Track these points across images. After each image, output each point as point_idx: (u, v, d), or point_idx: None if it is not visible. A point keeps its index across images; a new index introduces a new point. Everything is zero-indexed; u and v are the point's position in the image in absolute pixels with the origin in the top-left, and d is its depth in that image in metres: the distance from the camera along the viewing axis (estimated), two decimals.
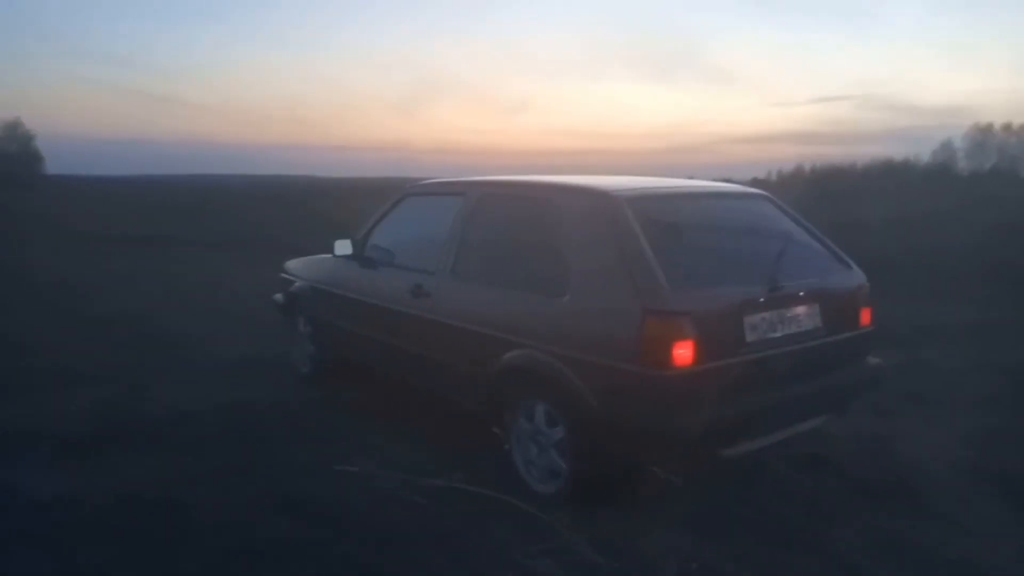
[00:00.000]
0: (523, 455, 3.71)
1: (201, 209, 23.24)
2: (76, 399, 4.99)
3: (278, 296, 5.86)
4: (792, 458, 3.98)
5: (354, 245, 4.92)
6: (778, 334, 3.50)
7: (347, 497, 3.55)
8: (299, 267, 5.76)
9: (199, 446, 4.20)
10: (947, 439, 4.38)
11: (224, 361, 6.00)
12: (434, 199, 4.71)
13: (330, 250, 5.03)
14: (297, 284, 5.56)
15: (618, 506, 3.41)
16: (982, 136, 51.24)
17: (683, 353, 3.12)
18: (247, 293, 8.89)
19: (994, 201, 21.75)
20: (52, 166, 62.20)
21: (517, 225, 3.93)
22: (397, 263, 4.67)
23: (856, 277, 3.99)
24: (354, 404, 4.97)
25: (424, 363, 4.32)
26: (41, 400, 4.97)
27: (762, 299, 3.43)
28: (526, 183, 4.15)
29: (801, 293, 3.61)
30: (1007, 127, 51.27)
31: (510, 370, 3.65)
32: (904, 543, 3.21)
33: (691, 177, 4.44)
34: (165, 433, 4.40)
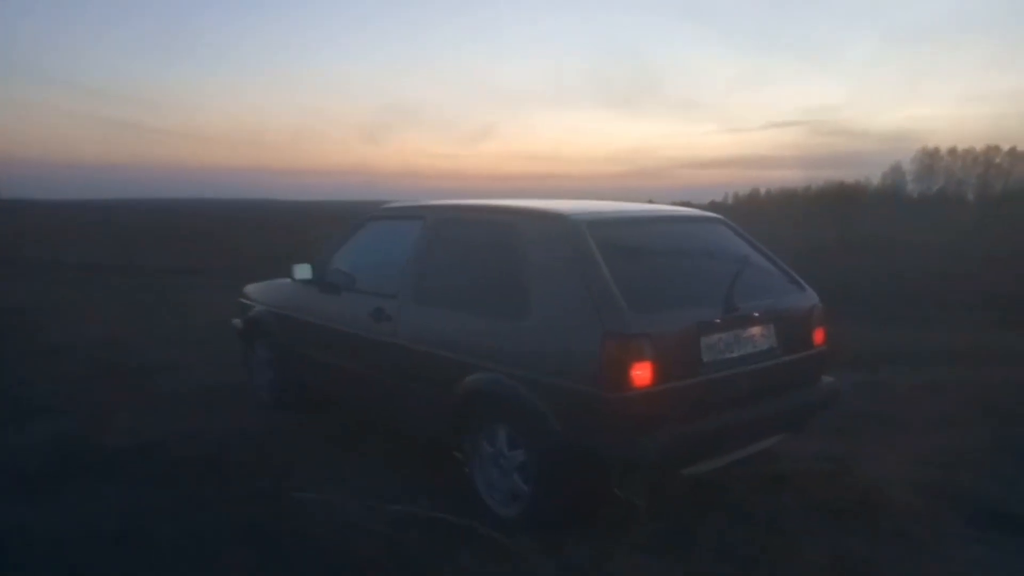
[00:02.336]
0: (485, 478, 3.71)
1: (164, 234, 22.92)
2: (33, 431, 4.88)
3: (237, 321, 5.79)
4: (750, 478, 4.02)
5: (314, 269, 4.89)
6: (734, 355, 3.56)
7: (309, 526, 3.50)
8: (258, 292, 5.70)
9: (160, 476, 4.12)
10: (898, 458, 4.45)
11: (186, 389, 5.91)
12: (395, 223, 4.71)
13: (289, 275, 5.00)
14: (256, 309, 5.50)
15: (582, 529, 3.41)
16: (929, 160, 52.84)
17: (641, 374, 3.16)
18: (210, 319, 8.77)
19: (946, 225, 22.36)
20: (6, 190, 61.02)
21: (478, 249, 3.95)
22: (358, 287, 4.65)
23: (809, 298, 4.07)
24: (316, 431, 4.91)
25: (385, 388, 4.30)
26: None
27: (718, 320, 3.49)
28: (486, 207, 4.18)
29: (756, 314, 3.67)
30: (952, 151, 52.84)
31: (472, 393, 3.65)
32: (864, 562, 3.25)
33: (651, 201, 4.52)
34: (125, 464, 4.31)
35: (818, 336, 4.04)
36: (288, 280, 5.21)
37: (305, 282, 4.92)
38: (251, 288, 5.84)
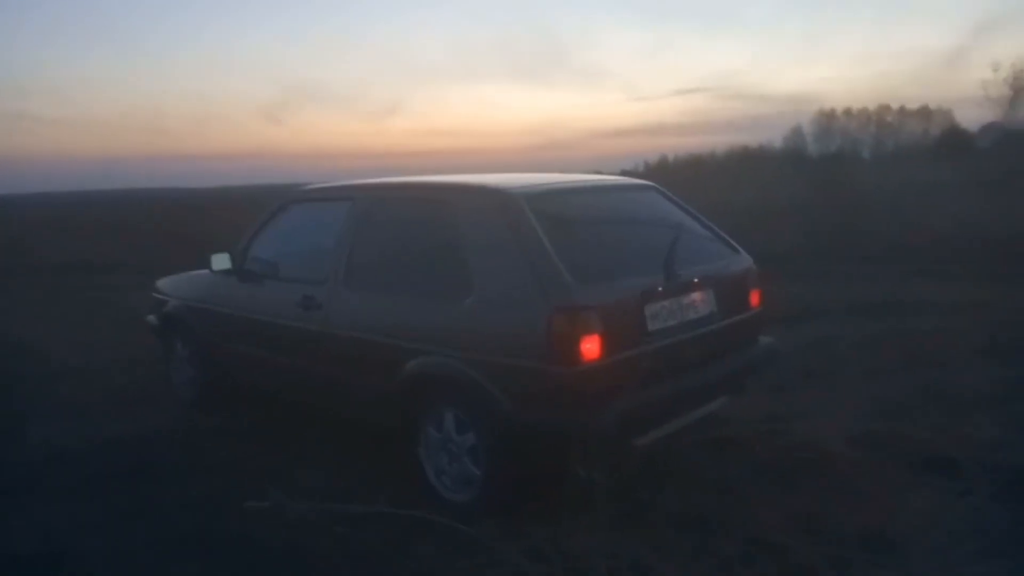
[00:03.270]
0: (434, 465, 3.59)
1: (62, 228, 21.63)
2: None
3: (151, 318, 5.47)
4: (697, 444, 4.02)
5: (232, 259, 4.63)
6: (677, 321, 3.54)
7: (258, 532, 3.32)
8: (172, 285, 5.38)
9: (83, 488, 3.84)
10: (837, 412, 4.54)
11: (100, 394, 5.55)
12: (319, 205, 4.50)
13: (204, 266, 4.73)
14: (171, 304, 5.19)
15: (542, 512, 3.34)
16: (827, 121, 54.66)
17: (590, 347, 3.10)
18: (120, 317, 8.32)
19: (846, 183, 23.16)
20: None
21: (411, 228, 3.80)
22: (282, 275, 4.44)
23: (744, 260, 4.09)
24: (249, 429, 4.67)
25: (320, 379, 4.12)
26: None
27: (660, 288, 3.46)
28: (418, 184, 4.02)
29: (696, 280, 3.66)
30: (847, 111, 54.84)
31: (415, 378, 3.53)
32: (817, 517, 3.29)
33: (565, 172, 4.43)
34: (41, 476, 4.01)
35: (754, 298, 4.06)
36: (205, 272, 4.94)
37: (224, 272, 4.65)
38: (164, 282, 5.51)
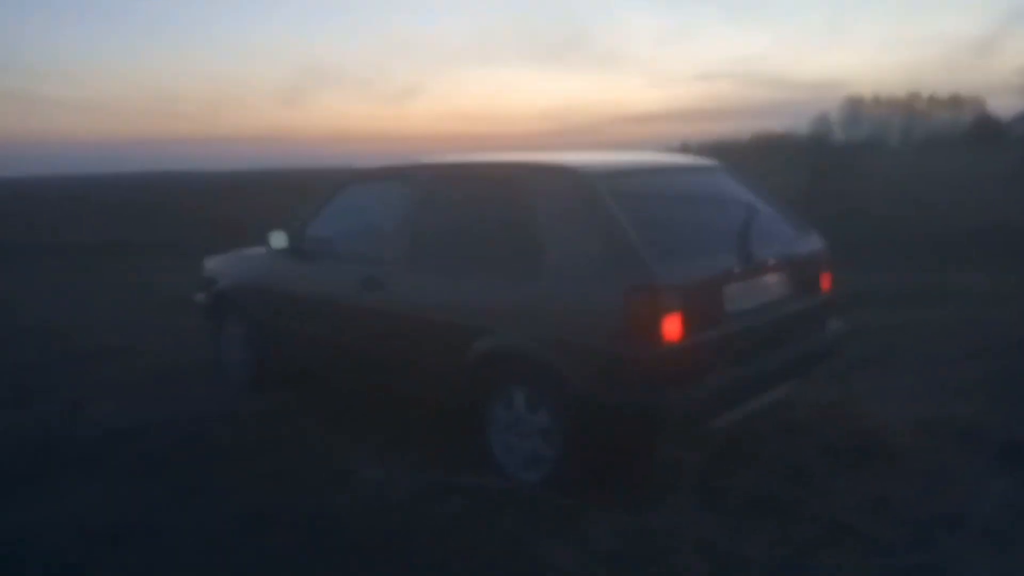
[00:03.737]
0: (503, 444, 3.56)
1: (96, 209, 21.79)
2: None
3: (200, 297, 5.45)
4: (767, 428, 3.97)
5: (290, 237, 4.60)
6: (754, 303, 3.49)
7: (331, 505, 3.32)
8: (222, 264, 5.36)
9: (144, 466, 3.85)
10: (902, 397, 4.47)
11: (151, 372, 5.57)
12: (381, 184, 4.45)
13: (254, 245, 4.70)
14: (223, 283, 5.17)
15: (616, 488, 3.30)
16: (855, 108, 54.15)
17: (671, 328, 3.05)
18: (165, 298, 8.35)
19: (876, 172, 22.87)
20: None
21: (480, 207, 3.74)
22: (341, 254, 4.41)
23: (815, 242, 4.02)
24: (306, 408, 4.66)
25: (381, 359, 4.09)
26: None
27: (738, 270, 3.40)
28: (488, 163, 3.97)
29: (771, 262, 3.60)
30: (876, 99, 54.32)
31: (485, 357, 3.49)
32: (889, 500, 3.24)
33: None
34: (100, 455, 4.01)
35: (825, 281, 4.00)
36: (254, 251, 4.93)
37: (281, 251, 4.62)
38: (213, 261, 5.49)
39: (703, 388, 3.16)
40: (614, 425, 3.21)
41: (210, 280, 5.31)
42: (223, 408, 4.67)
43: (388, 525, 3.15)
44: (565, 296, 3.24)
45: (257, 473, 3.69)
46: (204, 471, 3.76)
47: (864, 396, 4.48)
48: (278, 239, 4.57)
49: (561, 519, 3.09)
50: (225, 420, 4.45)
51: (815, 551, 2.85)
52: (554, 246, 3.33)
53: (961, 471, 3.52)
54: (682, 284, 3.12)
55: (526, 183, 3.57)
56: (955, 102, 50.78)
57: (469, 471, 3.55)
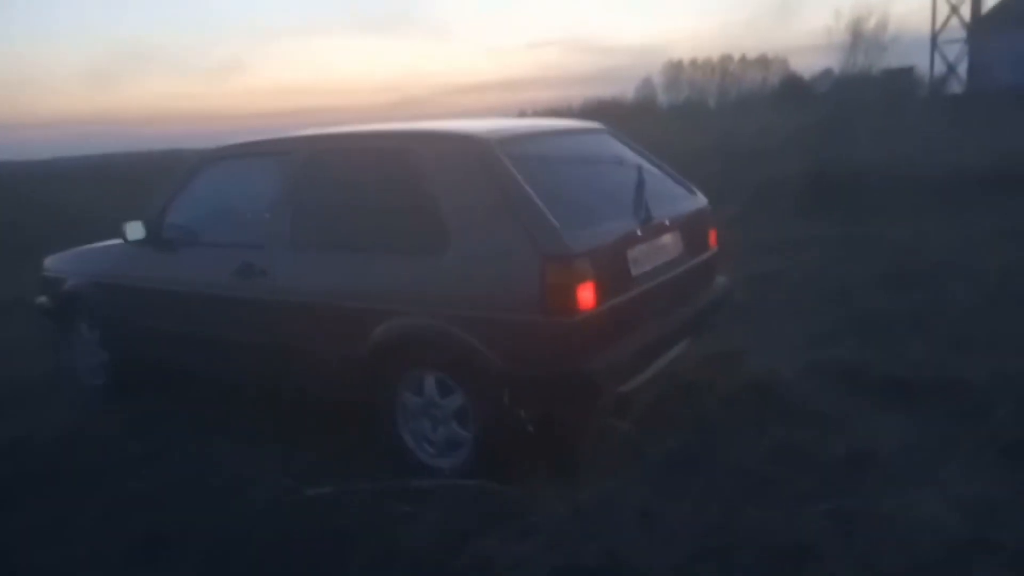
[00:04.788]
0: (414, 432, 3.39)
1: None
2: None
3: (42, 300, 4.90)
4: (664, 386, 4.02)
5: (147, 227, 4.17)
6: (652, 265, 3.50)
7: (235, 521, 3.02)
8: (67, 262, 4.83)
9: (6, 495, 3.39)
10: (780, 346, 4.67)
11: None
12: (246, 162, 4.12)
13: (107, 238, 4.25)
14: (71, 282, 4.65)
15: (525, 464, 3.21)
16: (675, 72, 56.71)
17: (586, 296, 3.00)
18: None
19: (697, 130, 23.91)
20: None
21: (369, 180, 3.52)
22: (209, 241, 4.05)
23: (700, 200, 4.10)
24: (180, 414, 4.19)
25: (264, 352, 3.79)
26: None
27: (639, 232, 3.39)
28: (373, 133, 3.76)
29: (667, 222, 3.62)
30: (693, 62, 57.15)
31: (389, 342, 3.30)
32: (796, 448, 3.35)
33: None
34: None
35: (712, 238, 4.09)
36: (108, 244, 4.46)
37: (138, 243, 4.18)
38: (54, 260, 4.95)
39: (617, 352, 3.15)
40: (532, 398, 3.11)
41: (54, 281, 4.77)
42: (82, 421, 4.19)
43: (299, 537, 2.89)
44: (474, 271, 3.11)
45: (137, 492, 3.30)
46: (72, 496, 3.33)
47: (744, 348, 4.61)
48: (134, 230, 4.13)
49: (495, 507, 2.97)
50: (86, 435, 3.98)
51: (743, 506, 2.90)
52: (456, 218, 3.18)
53: (850, 412, 3.70)
54: (593, 251, 3.07)
55: (422, 153, 3.38)
56: (763, 63, 54.33)
57: (383, 468, 3.35)
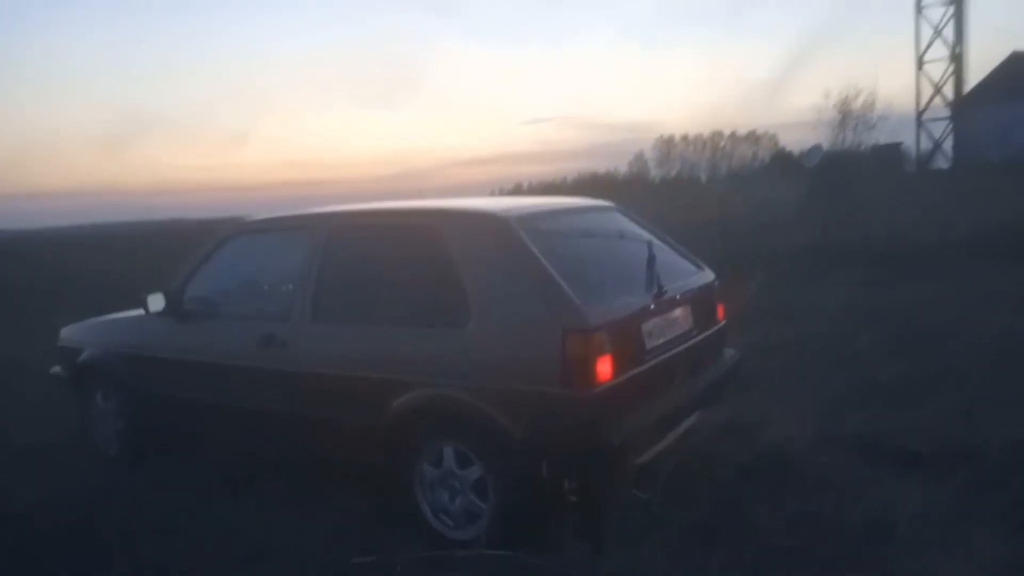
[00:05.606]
0: (433, 504, 3.43)
1: None
2: None
3: (57, 370, 4.97)
4: (680, 457, 4.07)
5: (168, 298, 4.27)
6: (666, 338, 3.59)
7: None
8: (85, 333, 4.91)
9: (23, 563, 3.38)
10: (793, 415, 4.73)
11: (10, 452, 4.88)
12: (270, 237, 4.24)
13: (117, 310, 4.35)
14: (88, 353, 4.72)
15: (558, 537, 3.25)
16: (667, 147, 58.12)
17: (605, 368, 3.09)
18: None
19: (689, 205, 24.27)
20: None
21: (393, 256, 3.63)
22: (230, 314, 4.15)
23: (708, 276, 4.22)
24: (201, 480, 4.22)
25: (283, 423, 3.85)
26: None
27: (652, 306, 3.50)
28: (395, 211, 3.89)
29: (678, 296, 3.73)
30: (684, 138, 58.61)
31: (409, 414, 3.36)
32: (815, 517, 3.39)
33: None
34: None
35: (719, 312, 4.20)
36: (122, 316, 4.58)
37: (159, 315, 4.27)
38: (71, 330, 5.03)
39: (633, 424, 3.21)
40: (550, 469, 3.15)
41: (70, 351, 4.84)
42: (102, 487, 4.21)
43: None
44: (495, 344, 3.19)
45: (163, 557, 3.33)
46: (97, 561, 3.34)
47: (756, 416, 4.68)
48: (156, 302, 4.23)
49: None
50: (108, 499, 4.00)
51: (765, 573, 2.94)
52: (479, 293, 3.28)
53: (863, 482, 3.75)
54: (611, 324, 3.17)
55: (445, 230, 3.50)
56: (753, 139, 55.82)
57: (403, 537, 3.38)
